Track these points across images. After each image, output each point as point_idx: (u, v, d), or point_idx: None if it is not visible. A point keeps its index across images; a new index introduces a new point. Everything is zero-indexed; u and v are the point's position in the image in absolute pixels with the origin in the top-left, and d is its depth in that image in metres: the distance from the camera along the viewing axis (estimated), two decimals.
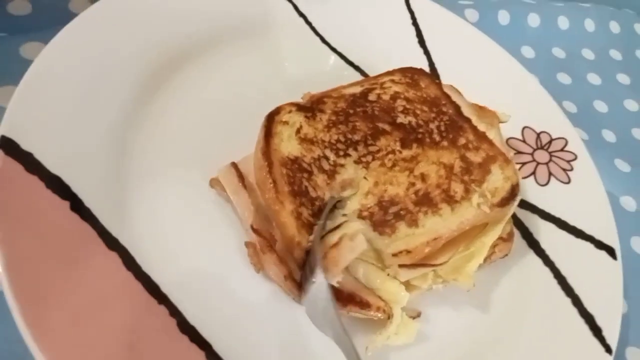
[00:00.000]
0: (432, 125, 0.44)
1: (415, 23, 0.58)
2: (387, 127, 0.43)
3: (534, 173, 0.52)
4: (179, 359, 0.33)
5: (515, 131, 0.54)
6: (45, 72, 0.39)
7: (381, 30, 0.57)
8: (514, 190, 0.41)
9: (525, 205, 0.49)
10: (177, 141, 0.43)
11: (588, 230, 0.47)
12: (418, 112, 0.45)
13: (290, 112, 0.42)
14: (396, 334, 0.37)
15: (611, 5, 0.74)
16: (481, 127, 0.45)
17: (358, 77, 0.54)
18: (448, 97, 0.46)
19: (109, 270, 0.35)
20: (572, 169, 0.51)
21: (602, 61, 0.70)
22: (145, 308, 0.34)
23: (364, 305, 0.37)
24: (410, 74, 0.48)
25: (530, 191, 0.50)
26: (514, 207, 0.42)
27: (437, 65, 0.56)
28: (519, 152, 0.53)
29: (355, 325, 0.38)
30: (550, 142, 0.53)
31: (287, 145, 0.40)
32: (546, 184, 0.51)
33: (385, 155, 0.42)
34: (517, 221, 0.48)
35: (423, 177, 0.41)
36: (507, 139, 0.53)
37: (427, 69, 0.56)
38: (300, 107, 0.43)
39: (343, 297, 0.37)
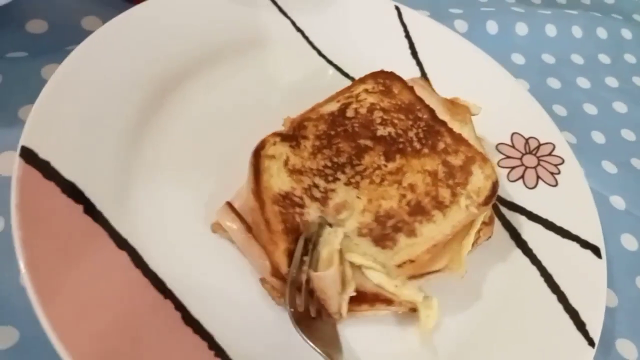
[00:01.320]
0: (410, 134, 0.46)
1: (407, 35, 0.61)
2: (369, 143, 0.45)
3: (522, 177, 0.54)
4: (183, 348, 0.36)
5: (504, 137, 0.56)
6: (60, 88, 0.42)
7: (375, 42, 0.60)
8: (494, 188, 0.44)
9: (513, 207, 0.52)
10: (184, 150, 0.46)
11: (574, 231, 0.49)
12: (396, 121, 0.46)
13: (274, 144, 0.43)
14: (428, 317, 0.40)
15: (598, 12, 0.77)
16: (455, 126, 0.47)
17: None
18: (421, 100, 0.48)
19: (118, 268, 0.38)
20: (559, 173, 0.54)
21: (591, 65, 0.73)
22: (152, 302, 0.37)
23: (389, 302, 0.40)
24: (382, 80, 0.49)
25: (519, 194, 0.53)
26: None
27: (429, 76, 0.59)
28: (508, 157, 0.55)
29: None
30: (538, 147, 0.55)
31: (277, 180, 0.41)
32: (534, 187, 0.53)
33: (372, 172, 0.43)
34: (505, 222, 0.51)
35: (412, 188, 0.43)
36: (497, 145, 0.56)
37: None
38: (283, 137, 0.43)
39: (368, 297, 0.39)
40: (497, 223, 0.50)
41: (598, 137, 0.65)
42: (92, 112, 0.43)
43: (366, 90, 0.48)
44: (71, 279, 0.35)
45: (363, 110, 0.47)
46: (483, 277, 0.47)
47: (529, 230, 0.50)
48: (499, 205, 0.52)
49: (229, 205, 0.42)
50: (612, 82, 0.72)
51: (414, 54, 0.60)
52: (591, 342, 0.42)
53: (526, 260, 0.48)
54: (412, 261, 0.39)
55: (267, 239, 0.38)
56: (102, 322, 0.34)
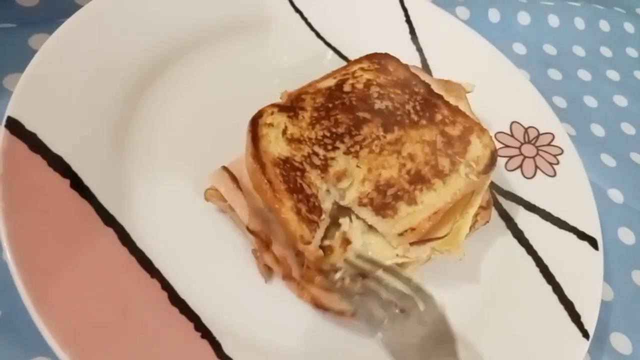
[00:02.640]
0: (408, 107, 0.45)
1: (408, 20, 0.60)
2: (367, 115, 0.44)
3: (520, 166, 0.53)
4: (169, 328, 0.35)
5: (503, 126, 0.55)
6: (50, 59, 0.41)
7: (375, 26, 0.59)
8: (493, 156, 0.44)
9: (510, 196, 0.51)
10: (176, 127, 0.45)
11: (571, 222, 0.49)
12: (392, 95, 0.46)
13: (272, 113, 0.42)
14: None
15: (601, 5, 0.76)
16: (451, 100, 0.47)
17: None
18: (417, 76, 0.48)
19: (104, 245, 0.37)
20: (558, 163, 0.53)
21: (593, 58, 0.72)
22: (138, 281, 0.36)
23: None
24: (377, 60, 0.49)
25: (517, 183, 0.52)
26: (491, 175, 0.44)
27: (429, 62, 0.58)
28: (506, 146, 0.54)
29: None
30: (537, 136, 0.55)
31: (276, 146, 0.41)
32: (532, 176, 0.52)
33: (371, 142, 0.43)
34: (502, 212, 0.50)
35: (411, 157, 0.43)
36: (496, 134, 0.55)
37: (419, 64, 0.58)
38: (281, 108, 0.43)
39: None
40: (494, 212, 0.50)
41: (598, 130, 0.64)
42: (83, 85, 0.42)
43: (362, 69, 0.48)
44: (55, 254, 0.34)
45: (360, 86, 0.46)
46: (478, 266, 0.46)
47: (526, 220, 0.49)
48: (496, 195, 0.51)
49: (225, 168, 0.41)
50: (613, 75, 0.71)
51: (415, 39, 0.59)
52: (586, 334, 0.42)
53: (522, 251, 0.47)
54: (413, 229, 0.39)
55: (272, 198, 0.38)
56: (87, 299, 0.33)
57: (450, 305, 0.42)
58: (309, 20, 0.57)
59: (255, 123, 0.41)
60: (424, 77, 0.48)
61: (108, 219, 0.38)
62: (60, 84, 0.41)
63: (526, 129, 0.55)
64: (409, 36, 0.59)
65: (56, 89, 0.40)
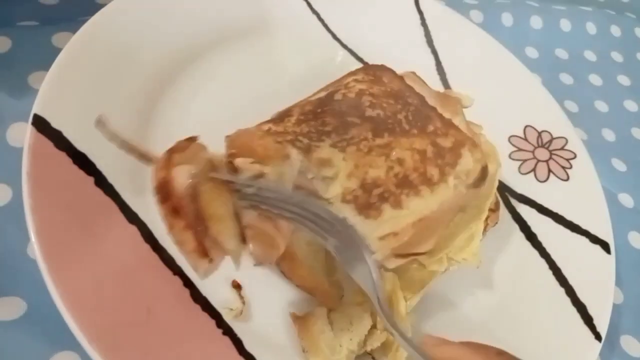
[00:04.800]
0: (400, 116, 0.44)
1: (424, 23, 0.60)
2: (356, 120, 0.42)
3: (534, 170, 0.54)
4: (191, 325, 0.36)
5: (517, 130, 0.56)
6: (74, 58, 0.42)
7: (391, 29, 0.59)
8: (484, 172, 0.42)
9: (524, 199, 0.51)
10: (197, 125, 0.45)
11: (584, 225, 0.49)
12: (385, 105, 0.44)
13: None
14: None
15: (612, 10, 0.76)
16: (446, 115, 0.46)
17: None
18: (411, 88, 0.47)
19: (128, 242, 0.37)
20: (571, 167, 0.53)
21: (604, 63, 0.72)
22: (161, 278, 0.37)
23: None
24: (372, 72, 0.48)
25: (530, 187, 0.52)
26: (495, 184, 0.44)
27: (444, 64, 0.59)
28: (520, 150, 0.55)
29: None
30: (550, 140, 0.55)
31: (260, 139, 0.39)
32: (545, 180, 0.53)
33: (359, 142, 0.41)
34: (515, 215, 0.50)
35: (400, 162, 0.41)
36: (510, 137, 0.55)
37: (434, 67, 0.58)
38: (268, 120, 0.42)
39: None
40: (507, 216, 0.50)
41: (608, 135, 0.64)
42: (107, 83, 0.42)
43: (356, 80, 0.46)
44: (81, 250, 0.35)
45: (351, 95, 0.44)
46: (492, 269, 0.46)
47: (539, 224, 0.50)
48: (509, 198, 0.51)
49: None
50: (624, 80, 0.71)
51: (429, 42, 0.59)
52: (598, 337, 0.42)
53: (535, 254, 0.48)
54: (395, 234, 0.37)
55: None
56: (112, 295, 0.34)
57: (464, 305, 0.44)
58: (326, 21, 0.58)
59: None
60: (420, 88, 0.47)
61: (131, 217, 0.38)
62: (85, 82, 0.41)
63: (540, 133, 0.55)
64: (424, 39, 0.59)
65: (80, 87, 0.41)
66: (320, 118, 0.42)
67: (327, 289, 0.40)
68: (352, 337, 0.38)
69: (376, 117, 0.43)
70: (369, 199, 0.38)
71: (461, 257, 0.40)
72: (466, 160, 0.42)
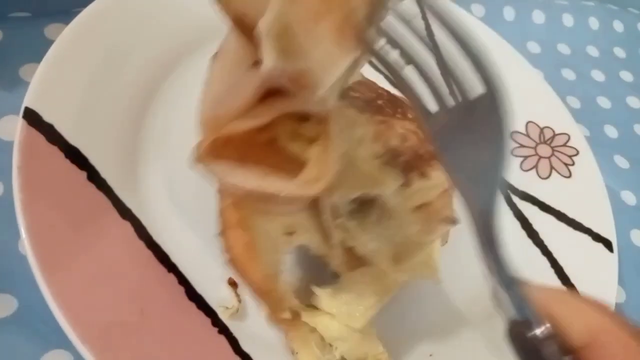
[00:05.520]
0: (379, 102, 0.43)
1: (424, 17, 0.59)
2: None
3: (535, 166, 0.53)
4: (187, 323, 0.35)
5: (519, 125, 0.55)
6: (67, 50, 0.40)
7: None
8: None
9: (526, 197, 0.51)
10: (192, 122, 0.45)
11: (586, 223, 0.48)
12: (361, 91, 0.43)
13: None
14: None
15: (615, 5, 0.75)
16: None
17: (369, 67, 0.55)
18: (374, 83, 0.46)
19: (121, 238, 0.36)
20: (573, 164, 0.53)
21: (606, 59, 0.71)
22: (155, 275, 0.36)
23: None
24: None
25: (532, 184, 0.52)
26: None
27: (445, 59, 0.58)
28: (522, 146, 0.54)
29: None
30: (553, 137, 0.54)
31: None
32: (547, 177, 0.52)
33: (367, 113, 0.40)
34: (517, 212, 0.50)
35: (404, 138, 0.40)
36: (512, 133, 0.54)
37: (434, 61, 0.57)
38: None
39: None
40: (509, 213, 0.50)
41: (611, 132, 0.64)
42: (100, 77, 0.41)
43: None
44: (73, 246, 0.34)
45: None
46: None
47: (541, 221, 0.49)
48: (511, 195, 0.51)
49: None
50: (626, 76, 0.71)
51: (431, 36, 0.58)
52: None
53: (537, 251, 0.47)
54: (427, 204, 0.37)
55: None
56: (105, 293, 0.33)
57: (468, 300, 0.43)
58: None
59: None
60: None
61: (125, 213, 0.37)
62: (77, 75, 0.40)
63: (542, 129, 0.55)
64: (425, 32, 0.58)
65: (73, 80, 0.40)
66: None
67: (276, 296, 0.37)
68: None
69: (362, 97, 0.42)
70: (397, 165, 0.37)
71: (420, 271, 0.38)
72: None
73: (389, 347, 0.37)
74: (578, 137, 0.54)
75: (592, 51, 0.72)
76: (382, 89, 0.46)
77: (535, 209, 0.50)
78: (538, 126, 0.55)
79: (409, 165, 0.38)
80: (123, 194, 0.38)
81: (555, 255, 0.47)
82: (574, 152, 0.53)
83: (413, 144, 0.40)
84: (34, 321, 0.35)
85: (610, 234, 0.48)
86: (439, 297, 0.43)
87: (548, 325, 0.23)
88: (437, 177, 0.38)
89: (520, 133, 0.54)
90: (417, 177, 0.37)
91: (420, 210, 0.37)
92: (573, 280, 0.45)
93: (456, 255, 0.44)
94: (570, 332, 0.23)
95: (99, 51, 0.42)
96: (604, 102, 0.66)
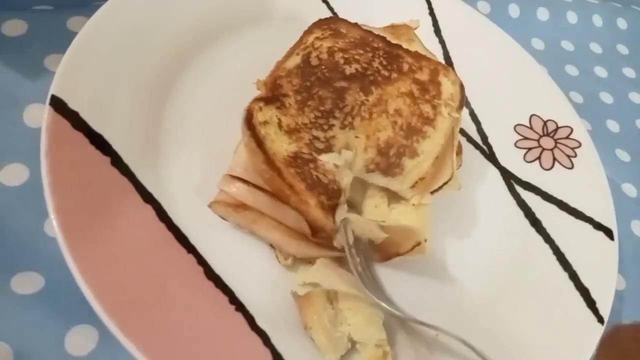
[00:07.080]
0: (375, 64, 0.46)
1: (432, 13, 0.61)
2: (344, 84, 0.44)
3: (539, 158, 0.54)
4: (204, 302, 0.37)
5: (523, 118, 0.57)
6: (90, 41, 0.42)
7: (400, 18, 0.59)
8: (462, 90, 0.46)
9: (529, 187, 0.52)
10: (211, 109, 0.47)
11: (588, 212, 0.50)
12: (357, 57, 0.46)
13: (261, 109, 0.41)
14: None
15: (618, 3, 0.77)
16: (405, 44, 0.48)
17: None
18: (371, 32, 0.49)
19: (143, 221, 0.38)
20: (575, 156, 0.54)
21: (609, 55, 0.73)
22: (176, 256, 0.38)
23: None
24: (326, 25, 0.49)
25: (535, 175, 0.53)
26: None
27: (452, 54, 0.59)
28: (525, 138, 0.56)
29: None
30: (556, 129, 0.56)
31: (280, 144, 0.40)
32: (550, 168, 0.54)
33: (359, 109, 0.43)
34: (520, 201, 0.51)
35: (398, 112, 0.44)
36: (515, 126, 0.56)
37: (442, 57, 0.59)
38: (266, 100, 0.42)
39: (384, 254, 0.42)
40: (512, 202, 0.51)
41: (613, 126, 0.65)
42: (123, 65, 0.43)
43: (318, 38, 0.47)
44: (98, 227, 0.36)
45: (324, 56, 0.46)
46: (497, 254, 0.47)
47: (544, 210, 0.50)
48: (514, 185, 0.52)
49: (239, 179, 0.40)
50: (629, 72, 0.72)
51: (437, 31, 0.60)
52: (601, 320, 0.43)
53: (539, 239, 0.49)
54: (422, 178, 0.42)
55: (297, 201, 0.38)
56: (128, 271, 0.35)
57: (470, 289, 0.45)
58: (335, 10, 0.58)
59: (251, 126, 0.40)
60: (372, 29, 0.49)
61: (146, 196, 0.39)
62: (100, 65, 0.42)
63: (545, 122, 0.56)
64: (432, 28, 0.60)
65: (96, 69, 0.42)
66: (315, 94, 0.44)
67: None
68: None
69: (357, 74, 0.46)
70: (389, 160, 0.42)
71: (442, 181, 0.43)
72: (446, 86, 0.47)
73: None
74: (580, 129, 0.55)
75: (596, 48, 0.73)
76: (379, 38, 0.48)
77: (538, 198, 0.51)
78: (542, 119, 0.56)
79: (398, 153, 0.42)
80: (145, 179, 0.40)
81: (557, 242, 0.48)
82: (577, 144, 0.55)
83: (407, 114, 0.44)
84: (60, 298, 0.37)
85: (610, 222, 0.49)
86: (444, 280, 0.45)
87: None
88: (426, 148, 0.43)
89: (524, 126, 0.56)
90: (408, 159, 0.42)
91: (416, 186, 0.41)
92: (574, 266, 0.46)
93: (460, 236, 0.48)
94: None
95: (120, 42, 0.44)
96: (606, 98, 0.68)
